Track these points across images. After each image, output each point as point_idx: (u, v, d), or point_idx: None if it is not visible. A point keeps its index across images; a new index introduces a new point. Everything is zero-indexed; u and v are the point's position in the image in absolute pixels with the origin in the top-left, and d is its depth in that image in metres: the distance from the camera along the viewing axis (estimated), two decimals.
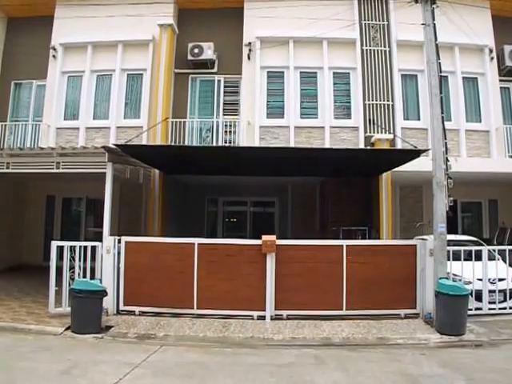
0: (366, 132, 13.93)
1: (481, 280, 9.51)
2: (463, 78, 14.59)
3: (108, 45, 14.93)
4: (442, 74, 9.93)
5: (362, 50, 14.50)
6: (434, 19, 9.51)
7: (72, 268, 9.48)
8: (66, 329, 8.51)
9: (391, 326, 8.89)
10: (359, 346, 7.90)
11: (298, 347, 7.81)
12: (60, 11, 15.34)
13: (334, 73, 14.56)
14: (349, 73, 14.59)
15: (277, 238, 9.62)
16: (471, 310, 9.02)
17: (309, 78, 14.59)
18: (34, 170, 10.82)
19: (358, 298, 9.41)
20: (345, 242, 9.86)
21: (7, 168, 10.85)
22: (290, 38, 14.32)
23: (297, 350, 7.64)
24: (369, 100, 14.15)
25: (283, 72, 14.57)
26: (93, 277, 9.42)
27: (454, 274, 9.24)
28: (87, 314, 8.41)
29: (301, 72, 14.56)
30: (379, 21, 14.72)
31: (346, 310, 9.40)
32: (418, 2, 9.60)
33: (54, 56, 15.14)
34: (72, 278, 9.34)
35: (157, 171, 13.88)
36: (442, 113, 9.39)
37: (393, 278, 9.43)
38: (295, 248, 9.66)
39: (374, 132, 13.82)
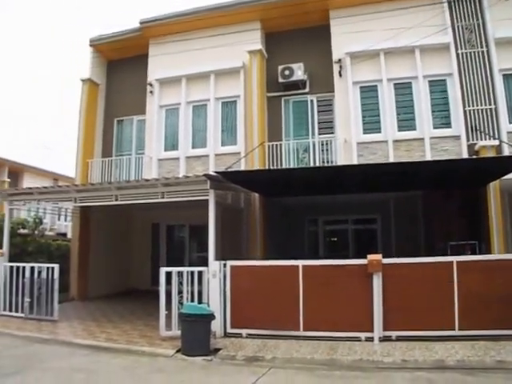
0: (468, 140, 13.71)
1: None
2: None
3: (200, 76, 16.22)
4: None
5: (458, 54, 14.31)
6: None
7: (180, 292, 10.40)
8: (177, 351, 9.31)
9: (511, 347, 8.53)
10: (476, 370, 7.65)
11: (409, 370, 7.78)
12: (153, 49, 17.03)
13: (429, 81, 14.51)
14: (445, 79, 14.49)
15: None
16: None
17: (403, 89, 14.69)
18: (141, 201, 12.07)
19: (471, 318, 9.26)
20: (455, 258, 9.79)
21: (116, 200, 12.27)
22: (380, 50, 14.47)
23: (409, 374, 7.61)
24: (469, 106, 13.95)
25: (376, 85, 14.79)
26: (200, 300, 10.27)
27: None
28: (196, 337, 9.14)
29: (394, 84, 14.70)
30: (473, 21, 14.45)
31: (459, 330, 9.30)
32: None
33: (151, 92, 16.76)
34: (181, 302, 10.21)
35: (256, 195, 14.66)
36: None
37: (509, 295, 9.19)
38: (402, 266, 9.74)
39: (477, 139, 13.60)
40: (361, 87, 15.00)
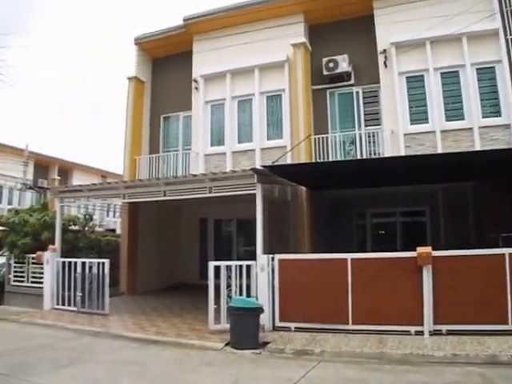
0: None
1: None
2: None
3: (245, 70, 16.40)
4: None
5: (507, 40, 13.83)
6: None
7: (228, 286, 10.55)
8: (226, 344, 9.43)
9: None
10: None
11: (460, 365, 7.63)
12: (197, 46, 17.37)
13: (477, 69, 14.16)
14: (494, 67, 14.09)
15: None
16: None
17: (450, 77, 14.41)
18: (189, 196, 12.29)
19: None
20: (507, 250, 9.47)
21: (164, 196, 12.55)
22: (425, 39, 14.22)
23: (460, 368, 7.45)
24: None
25: (423, 75, 14.58)
26: (248, 294, 10.43)
27: None
28: (245, 331, 9.27)
29: (441, 73, 14.44)
30: None
31: None
32: None
33: (196, 88, 17.06)
34: (229, 296, 10.37)
35: (303, 188, 14.75)
36: None
37: None
38: (452, 259, 9.58)
39: None
40: (407, 77, 14.81)
